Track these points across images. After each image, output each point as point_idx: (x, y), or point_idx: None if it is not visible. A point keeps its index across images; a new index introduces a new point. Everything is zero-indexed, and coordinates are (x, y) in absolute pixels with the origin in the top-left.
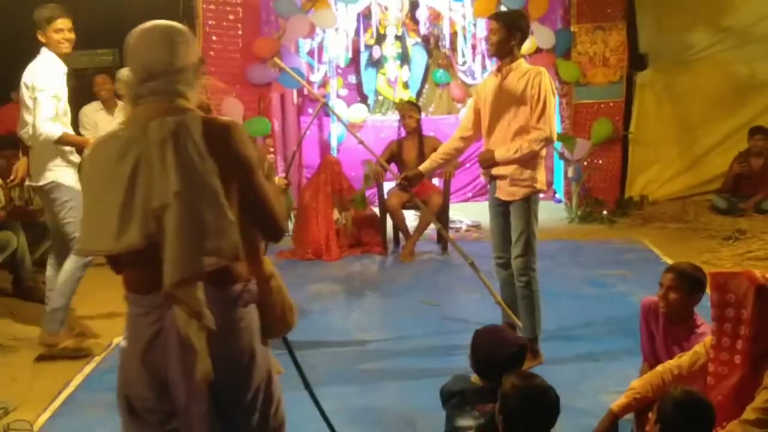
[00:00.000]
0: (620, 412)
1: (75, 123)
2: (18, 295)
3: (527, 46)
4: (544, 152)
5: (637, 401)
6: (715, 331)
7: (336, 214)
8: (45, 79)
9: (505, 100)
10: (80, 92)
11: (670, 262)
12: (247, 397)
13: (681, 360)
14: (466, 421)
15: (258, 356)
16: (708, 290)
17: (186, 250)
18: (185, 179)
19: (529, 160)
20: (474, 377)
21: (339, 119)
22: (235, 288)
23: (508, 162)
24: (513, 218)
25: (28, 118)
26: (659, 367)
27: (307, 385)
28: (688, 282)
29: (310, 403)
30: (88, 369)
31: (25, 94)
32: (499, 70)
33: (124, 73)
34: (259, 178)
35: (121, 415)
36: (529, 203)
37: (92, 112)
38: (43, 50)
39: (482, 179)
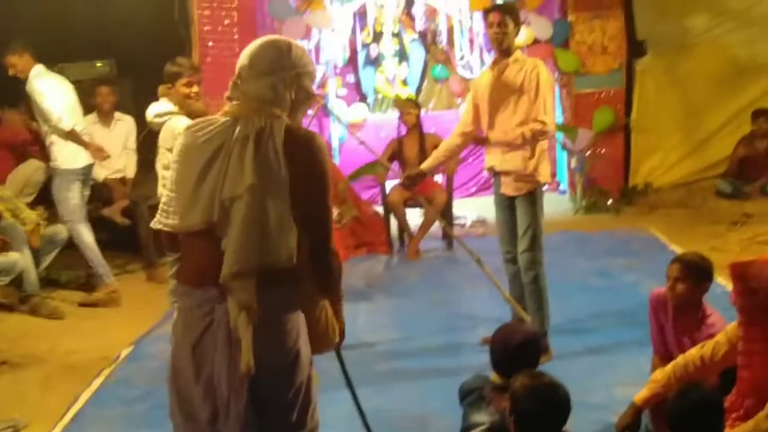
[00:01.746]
0: (643, 404)
1: None
2: (25, 311)
3: (525, 38)
4: (545, 144)
5: (660, 393)
6: (743, 323)
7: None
8: None
9: (504, 93)
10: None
11: (677, 249)
12: (287, 397)
13: (703, 350)
14: (481, 417)
15: (302, 358)
16: (719, 288)
17: (248, 243)
18: (260, 176)
19: (532, 153)
20: (494, 375)
21: (338, 120)
22: (284, 290)
23: (504, 145)
24: (519, 212)
25: None
26: (680, 359)
27: (355, 397)
28: (695, 272)
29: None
30: (96, 384)
31: None
32: (495, 63)
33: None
34: (329, 198)
35: (171, 414)
36: (534, 197)
37: (87, 125)
38: None
39: (485, 174)
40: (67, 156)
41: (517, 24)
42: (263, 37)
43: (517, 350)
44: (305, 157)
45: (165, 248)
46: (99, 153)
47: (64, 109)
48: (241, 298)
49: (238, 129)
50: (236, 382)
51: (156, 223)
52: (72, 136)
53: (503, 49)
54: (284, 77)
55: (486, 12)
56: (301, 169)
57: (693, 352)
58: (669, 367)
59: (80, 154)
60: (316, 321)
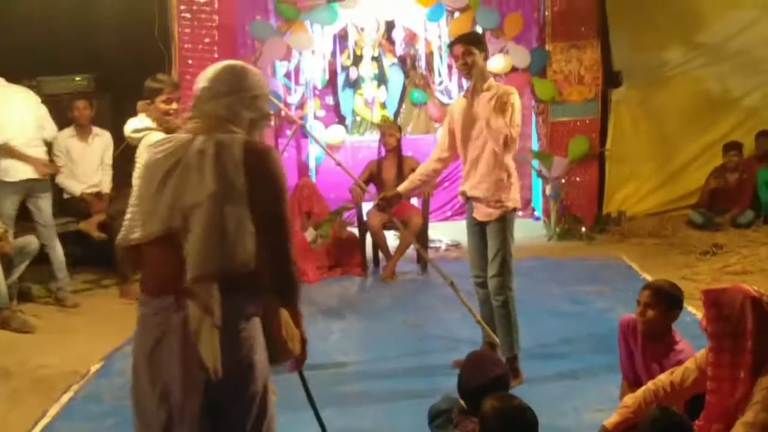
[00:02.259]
0: (613, 429)
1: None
2: None
3: (503, 65)
4: (514, 173)
5: (630, 419)
6: (713, 348)
7: (309, 234)
8: None
9: (477, 120)
10: (55, 118)
11: (648, 277)
12: (240, 405)
13: (673, 376)
14: None
15: (257, 368)
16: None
17: (208, 248)
18: (220, 185)
19: (501, 180)
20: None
21: (316, 141)
22: (241, 299)
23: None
24: (489, 238)
25: None
26: (650, 384)
27: (317, 416)
28: (665, 299)
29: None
30: (65, 398)
31: None
32: (469, 91)
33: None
34: (285, 208)
35: (132, 415)
36: (505, 223)
37: (64, 139)
38: None
39: (460, 199)
40: (5, 168)
41: (483, 50)
42: (222, 61)
43: (485, 390)
44: (262, 169)
45: (130, 265)
46: (43, 168)
47: None
48: (204, 302)
49: (196, 143)
50: (190, 387)
51: (121, 240)
52: (5, 150)
53: (475, 77)
54: (242, 98)
55: (450, 46)
56: (259, 180)
57: (663, 378)
58: (639, 392)
59: (19, 167)
60: (276, 329)
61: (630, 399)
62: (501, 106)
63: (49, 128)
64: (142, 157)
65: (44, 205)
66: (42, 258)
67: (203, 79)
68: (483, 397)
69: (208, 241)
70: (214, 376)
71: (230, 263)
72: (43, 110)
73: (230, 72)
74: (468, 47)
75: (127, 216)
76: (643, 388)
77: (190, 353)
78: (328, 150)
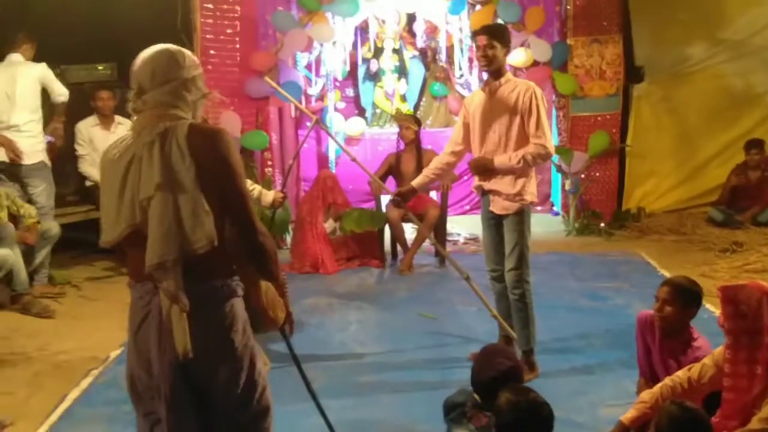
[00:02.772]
0: (630, 424)
1: (70, 136)
2: (16, 309)
3: (524, 59)
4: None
5: (647, 414)
6: (730, 345)
7: (329, 225)
8: None
9: (497, 114)
10: (78, 107)
11: (667, 274)
12: (225, 383)
13: (690, 372)
14: None
15: (237, 346)
16: (707, 313)
17: (164, 236)
18: (165, 173)
19: (522, 173)
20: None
21: (332, 138)
22: (214, 284)
23: (505, 171)
24: (506, 231)
25: None
26: (668, 380)
27: (308, 385)
28: (683, 295)
29: (308, 414)
30: (85, 383)
31: None
32: (487, 84)
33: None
34: (241, 184)
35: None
36: (522, 216)
37: (87, 127)
38: None
39: (475, 192)
40: None
41: (506, 45)
42: (153, 47)
43: (496, 382)
44: (210, 150)
45: (119, 260)
46: (12, 150)
47: None
48: (167, 288)
49: (143, 136)
50: (164, 367)
51: (101, 242)
52: None
53: (493, 71)
54: (183, 82)
55: (474, 34)
56: (208, 161)
57: (680, 375)
58: (656, 388)
59: None
60: (254, 301)
61: (647, 395)
62: (524, 107)
63: (57, 90)
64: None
65: (36, 196)
66: (63, 244)
67: (141, 68)
68: (495, 390)
69: (164, 230)
70: (183, 359)
71: (190, 247)
72: (47, 77)
73: (167, 57)
74: (491, 41)
75: (102, 218)
76: (660, 384)
77: (164, 337)
78: (344, 147)
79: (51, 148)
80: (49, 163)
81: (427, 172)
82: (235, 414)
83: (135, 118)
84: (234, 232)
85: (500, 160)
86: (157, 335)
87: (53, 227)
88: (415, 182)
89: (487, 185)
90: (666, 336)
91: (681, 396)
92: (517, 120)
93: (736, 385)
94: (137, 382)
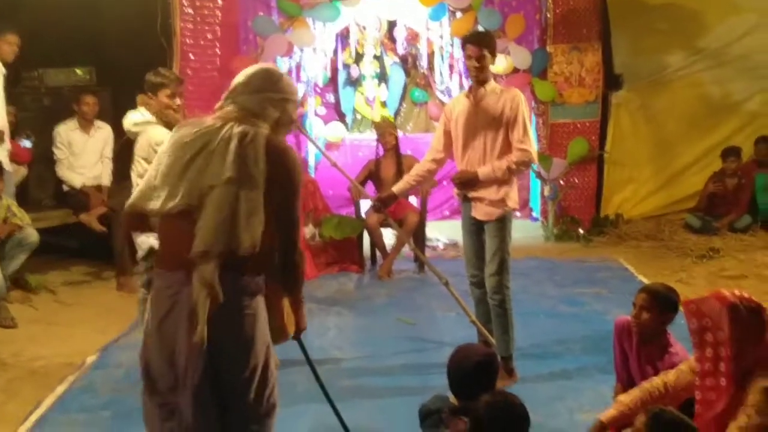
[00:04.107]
0: (609, 422)
1: (48, 140)
2: None
3: (504, 66)
4: None
5: (625, 415)
6: (697, 359)
7: (309, 231)
8: None
9: (481, 122)
10: (56, 110)
11: (645, 280)
12: (242, 375)
13: (667, 377)
14: None
15: (257, 341)
16: (684, 319)
17: (217, 227)
18: (239, 171)
19: (505, 180)
20: (452, 397)
21: (313, 142)
22: (245, 279)
23: (491, 181)
24: (488, 237)
25: None
26: (646, 384)
27: (322, 386)
28: (660, 302)
29: (301, 414)
30: (61, 389)
31: None
32: (472, 91)
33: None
34: (297, 202)
35: (141, 378)
36: (504, 222)
37: (66, 131)
38: None
39: (457, 198)
40: None
41: (494, 53)
42: (262, 63)
43: (472, 372)
44: (282, 163)
45: (126, 228)
46: None
47: None
48: (204, 276)
49: (224, 130)
50: (193, 357)
51: (129, 207)
52: None
53: (482, 79)
54: (272, 98)
55: (464, 43)
56: (277, 174)
57: (658, 380)
58: (635, 390)
59: None
60: (275, 313)
61: (626, 397)
62: (510, 114)
63: None
64: (142, 149)
65: None
66: (39, 248)
67: (241, 74)
68: (470, 385)
69: (219, 222)
70: (202, 344)
71: (235, 246)
72: None
73: (266, 73)
74: (482, 51)
75: (142, 188)
76: (638, 387)
77: (194, 325)
78: (324, 152)
79: (26, 153)
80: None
81: (408, 178)
82: (246, 408)
83: (218, 112)
84: (277, 244)
85: (484, 172)
86: (187, 326)
87: (32, 234)
88: (396, 188)
89: (471, 192)
90: (643, 342)
91: (657, 400)
92: (502, 129)
93: (704, 399)
94: (155, 371)
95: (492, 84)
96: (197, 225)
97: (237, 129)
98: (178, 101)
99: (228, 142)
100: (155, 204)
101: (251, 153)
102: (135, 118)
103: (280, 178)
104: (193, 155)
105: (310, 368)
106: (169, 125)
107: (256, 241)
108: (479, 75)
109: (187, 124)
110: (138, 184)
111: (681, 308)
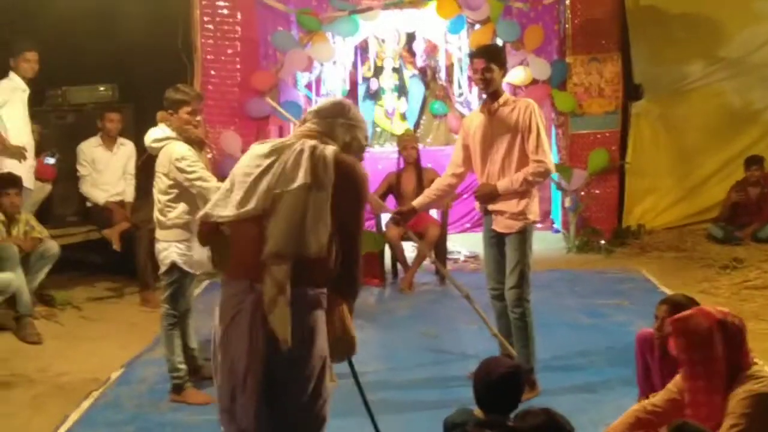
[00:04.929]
0: None
1: (72, 157)
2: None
3: (523, 78)
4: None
5: None
6: (688, 376)
7: None
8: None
9: (497, 135)
10: (80, 128)
11: (667, 291)
12: (298, 382)
13: (655, 399)
14: None
15: (316, 350)
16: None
17: (287, 230)
18: (311, 178)
19: (525, 192)
20: (477, 410)
21: None
22: (306, 290)
23: (510, 194)
24: (508, 250)
25: None
26: (636, 406)
27: (368, 407)
28: None
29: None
30: (85, 405)
31: None
32: (485, 105)
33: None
34: (361, 215)
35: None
36: (525, 235)
37: (90, 148)
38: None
39: (478, 211)
40: None
41: (502, 66)
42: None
43: (498, 384)
44: (349, 175)
45: (200, 241)
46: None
47: None
48: (276, 276)
49: (297, 145)
50: (253, 361)
51: (203, 216)
52: None
53: (491, 93)
54: (341, 123)
55: (471, 57)
56: (345, 185)
57: (646, 401)
58: (623, 417)
59: None
60: (333, 324)
61: (615, 425)
62: (524, 125)
63: None
64: (163, 166)
65: None
66: (63, 265)
67: (319, 103)
68: (496, 398)
69: (291, 225)
70: (284, 345)
71: (304, 249)
72: None
73: (338, 102)
74: (489, 64)
75: (215, 196)
76: (626, 412)
77: (256, 331)
78: None
79: (50, 170)
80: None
81: (429, 192)
82: (296, 418)
83: (295, 130)
84: (339, 254)
85: (503, 185)
86: (247, 331)
87: (53, 246)
88: (416, 202)
89: (491, 205)
90: (666, 355)
91: (646, 422)
92: (519, 139)
93: (696, 415)
94: (219, 378)
95: (505, 96)
96: (268, 229)
97: (309, 143)
98: (198, 117)
99: (301, 154)
100: (230, 211)
101: (321, 163)
102: (156, 135)
103: (347, 189)
104: (267, 165)
105: (355, 382)
106: (189, 141)
107: (323, 246)
108: (487, 88)
109: (263, 141)
110: (159, 201)
111: (670, 326)
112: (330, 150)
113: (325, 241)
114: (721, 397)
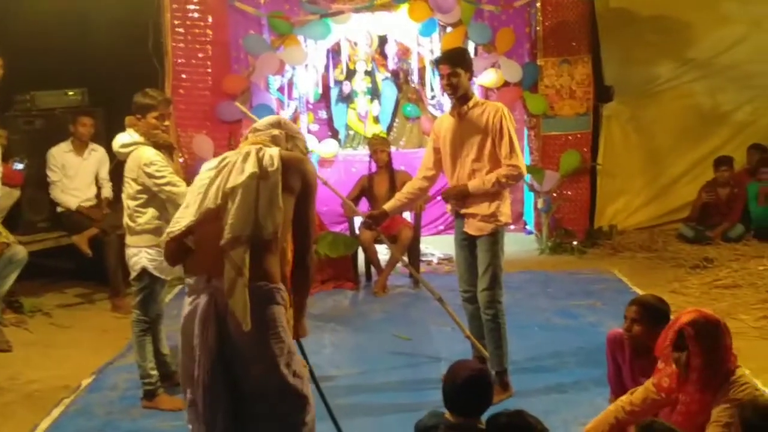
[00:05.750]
0: None
1: (41, 162)
2: None
3: (494, 80)
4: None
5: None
6: (665, 375)
7: None
8: None
9: (467, 138)
10: (49, 132)
11: (639, 291)
12: (262, 362)
13: (633, 396)
14: None
15: (272, 347)
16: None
17: (242, 216)
18: (257, 169)
19: (496, 195)
20: (447, 413)
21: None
22: (260, 284)
23: (482, 195)
24: (480, 252)
25: None
26: (612, 406)
27: (317, 386)
28: (651, 314)
29: None
30: (56, 412)
31: None
32: (455, 109)
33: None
34: (312, 204)
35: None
36: (496, 237)
37: (60, 153)
38: None
39: (449, 213)
40: None
41: (469, 69)
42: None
43: (465, 387)
44: (295, 165)
45: (169, 262)
46: None
47: None
48: (234, 260)
49: (243, 149)
50: (204, 355)
51: (168, 236)
52: None
53: (459, 96)
54: (280, 133)
55: (436, 63)
56: (293, 175)
57: (623, 399)
58: (600, 415)
59: None
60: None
61: (591, 425)
62: (495, 128)
63: None
64: (131, 171)
65: None
66: (33, 271)
67: (258, 122)
68: (464, 401)
69: (245, 211)
70: (245, 327)
71: (259, 231)
72: None
73: (274, 117)
74: (454, 69)
75: (176, 214)
76: (604, 411)
77: (208, 327)
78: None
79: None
80: None
81: (400, 196)
82: (266, 406)
83: (242, 143)
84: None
85: (474, 185)
86: (200, 326)
87: (20, 251)
88: (388, 206)
89: (462, 208)
90: (636, 355)
91: (624, 420)
92: (489, 143)
93: (687, 411)
94: (182, 368)
95: (475, 99)
96: (224, 220)
97: (255, 147)
98: (167, 122)
99: (247, 155)
100: (189, 218)
101: (267, 156)
102: (124, 140)
103: (295, 179)
104: (216, 172)
105: (314, 384)
106: (157, 146)
107: (277, 226)
108: (455, 93)
109: (214, 160)
110: (128, 206)
111: (690, 330)
112: (275, 149)
113: (280, 223)
114: (701, 392)
